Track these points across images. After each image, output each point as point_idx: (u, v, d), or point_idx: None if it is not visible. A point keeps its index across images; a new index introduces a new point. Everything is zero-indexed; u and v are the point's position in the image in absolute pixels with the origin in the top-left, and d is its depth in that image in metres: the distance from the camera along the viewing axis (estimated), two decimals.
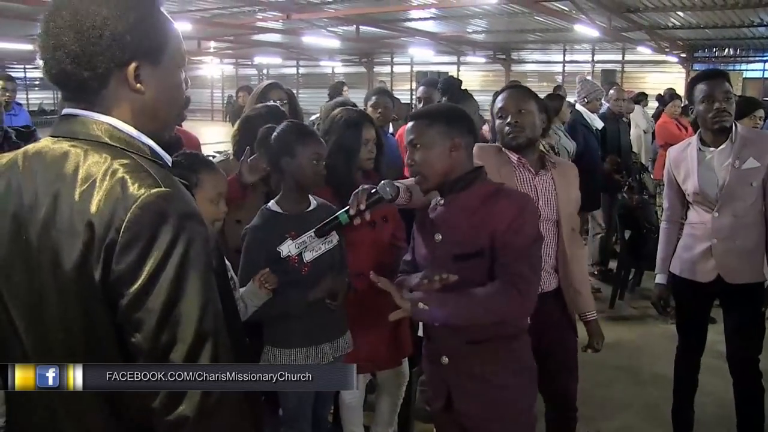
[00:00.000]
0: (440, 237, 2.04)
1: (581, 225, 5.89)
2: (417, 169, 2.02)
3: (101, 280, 1.04)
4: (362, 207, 2.07)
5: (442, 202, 2.06)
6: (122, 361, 1.09)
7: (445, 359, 2.08)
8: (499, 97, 2.61)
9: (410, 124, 2.07)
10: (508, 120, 2.53)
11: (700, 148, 2.94)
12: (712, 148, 2.91)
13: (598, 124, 5.86)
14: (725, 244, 2.90)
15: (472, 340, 2.03)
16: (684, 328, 3.19)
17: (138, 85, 1.15)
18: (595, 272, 6.18)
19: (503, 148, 2.58)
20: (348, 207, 2.10)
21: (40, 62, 1.14)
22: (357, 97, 4.92)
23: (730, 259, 2.90)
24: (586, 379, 4.11)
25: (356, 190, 2.13)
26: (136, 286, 1.02)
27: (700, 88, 2.87)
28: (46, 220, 1.09)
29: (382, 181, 2.15)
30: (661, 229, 3.23)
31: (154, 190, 1.05)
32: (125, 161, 1.09)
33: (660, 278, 3.15)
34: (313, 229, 2.17)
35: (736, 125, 2.90)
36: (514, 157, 2.55)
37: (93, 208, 1.05)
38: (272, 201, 2.45)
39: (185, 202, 1.10)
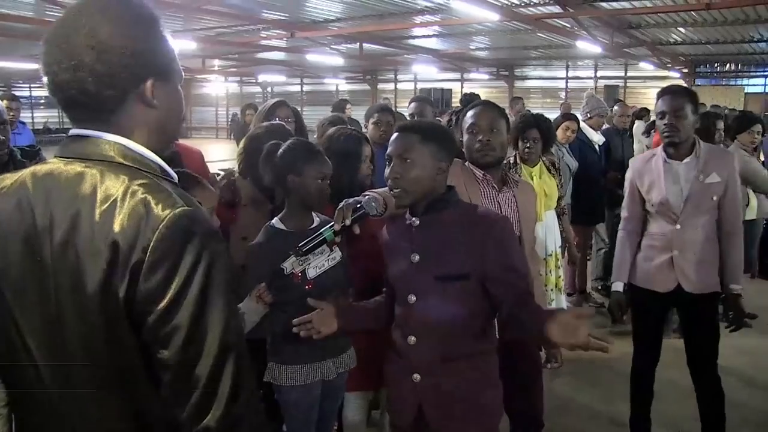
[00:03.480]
0: (418, 258, 2.02)
1: (586, 240, 5.91)
2: (401, 183, 1.98)
3: (126, 298, 1.06)
4: (347, 222, 2.06)
5: (417, 222, 2.04)
6: (147, 378, 1.11)
7: (416, 376, 2.05)
8: (471, 113, 2.63)
9: (400, 135, 2.03)
10: (480, 138, 2.55)
11: (666, 160, 3.01)
12: (677, 161, 2.99)
13: (597, 138, 5.88)
14: (686, 255, 2.98)
15: (446, 357, 2.02)
16: (640, 338, 3.27)
17: (155, 101, 1.18)
18: (599, 287, 6.17)
19: (467, 164, 2.61)
20: (333, 223, 2.09)
21: (53, 84, 1.14)
22: (361, 114, 4.92)
23: (690, 270, 2.99)
24: (593, 396, 4.11)
25: (340, 206, 2.11)
26: (164, 303, 1.05)
27: (657, 104, 2.99)
28: (63, 241, 1.09)
29: (366, 196, 2.13)
30: (618, 238, 3.28)
31: (177, 210, 1.07)
32: (143, 181, 1.11)
33: (617, 286, 3.20)
34: (297, 248, 2.12)
35: (698, 141, 3.00)
36: (479, 173, 2.58)
37: (116, 227, 1.06)
38: (276, 218, 2.47)
39: (206, 220, 1.13)
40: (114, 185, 1.10)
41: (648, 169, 3.08)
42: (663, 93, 3.00)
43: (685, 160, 2.96)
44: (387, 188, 2.16)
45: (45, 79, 1.15)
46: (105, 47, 1.11)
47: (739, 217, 3.03)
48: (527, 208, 2.67)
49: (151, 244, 1.05)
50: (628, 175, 3.22)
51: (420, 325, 2.04)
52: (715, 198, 2.94)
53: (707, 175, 2.92)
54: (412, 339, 2.05)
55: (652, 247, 3.10)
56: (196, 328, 1.06)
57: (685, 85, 3.20)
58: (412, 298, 2.04)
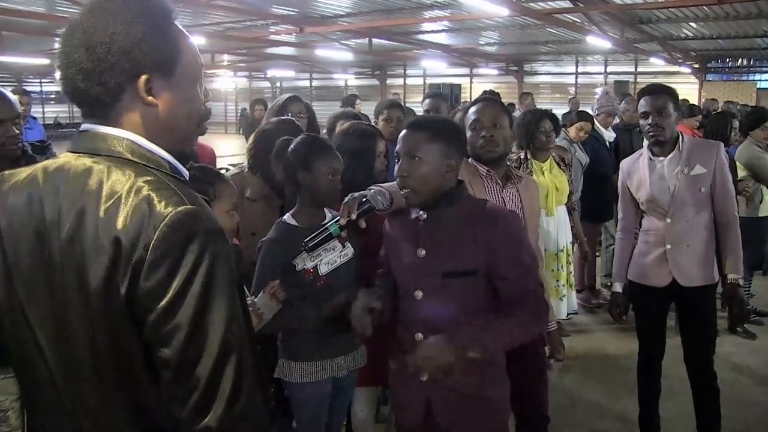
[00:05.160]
0: (424, 252, 2.00)
1: (594, 237, 5.89)
2: (409, 182, 1.97)
3: (127, 295, 1.06)
4: (353, 217, 2.04)
5: (424, 216, 2.03)
6: (148, 376, 1.11)
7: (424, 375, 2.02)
8: (474, 108, 2.62)
9: (409, 132, 2.01)
10: (483, 134, 2.54)
11: (650, 158, 3.08)
12: (661, 158, 3.04)
13: (608, 136, 5.87)
14: (678, 249, 3.01)
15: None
16: (642, 334, 3.30)
17: (150, 98, 1.16)
18: (608, 284, 6.14)
19: (471, 160, 2.60)
20: (338, 218, 2.07)
21: (59, 80, 1.17)
22: (370, 109, 4.91)
23: (683, 263, 3.02)
24: (602, 392, 4.10)
25: (346, 200, 2.09)
26: (164, 301, 1.05)
27: (640, 104, 3.03)
28: (70, 236, 1.10)
29: (372, 190, 2.11)
30: (617, 239, 3.36)
31: (180, 208, 1.07)
32: (148, 178, 1.11)
33: (616, 286, 3.26)
34: (303, 243, 2.10)
35: (681, 135, 3.04)
36: (483, 169, 2.57)
37: (119, 224, 1.06)
38: (288, 214, 2.46)
39: (210, 218, 1.12)
40: (120, 181, 1.10)
41: (635, 169, 3.14)
42: (644, 93, 3.05)
43: (668, 156, 3.01)
44: (395, 183, 2.16)
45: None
46: (92, 44, 1.11)
47: (733, 207, 3.04)
48: (531, 204, 2.66)
49: (153, 242, 1.04)
50: (620, 177, 3.27)
51: (426, 322, 2.01)
52: (703, 190, 2.97)
53: (691, 167, 2.96)
54: (419, 336, 2.02)
55: (646, 243, 3.14)
56: (197, 327, 1.06)
57: (664, 83, 3.20)
58: (419, 294, 2.02)
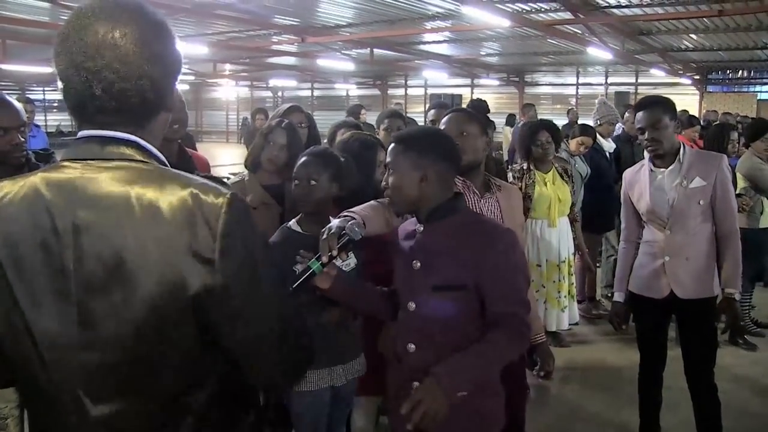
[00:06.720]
0: (419, 264, 2.01)
1: (594, 248, 5.89)
2: (389, 193, 2.04)
3: (200, 287, 1.07)
4: (334, 253, 2.01)
5: (421, 228, 2.04)
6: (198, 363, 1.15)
7: (416, 384, 1.97)
8: (442, 121, 2.63)
9: (391, 145, 2.06)
10: None
11: (651, 169, 3.08)
12: (662, 169, 3.04)
13: (608, 146, 5.88)
14: (677, 261, 3.01)
15: None
16: (643, 345, 3.29)
17: (175, 100, 1.24)
18: (609, 294, 6.14)
19: None
20: (320, 254, 2.03)
21: (108, 92, 1.10)
22: (371, 119, 4.94)
23: (682, 275, 3.01)
24: (602, 403, 4.09)
25: (324, 236, 2.06)
26: (237, 282, 1.09)
27: (636, 119, 3.04)
28: (92, 244, 1.06)
29: (350, 221, 2.10)
30: (619, 249, 3.36)
31: (227, 194, 1.11)
32: (171, 176, 1.13)
33: (617, 296, 3.27)
34: (291, 289, 2.12)
35: (683, 146, 3.03)
36: (458, 179, 2.55)
37: (167, 223, 1.06)
38: (293, 220, 2.48)
39: (244, 200, 1.18)
40: (146, 184, 1.09)
41: (637, 180, 3.15)
42: (638, 107, 3.05)
43: (669, 168, 3.01)
44: (367, 204, 2.24)
45: (95, 88, 1.09)
46: (157, 56, 1.13)
47: (733, 220, 3.03)
48: (512, 213, 2.63)
49: (219, 230, 1.07)
50: (622, 187, 3.27)
51: (419, 333, 2.02)
52: (702, 202, 2.96)
53: (690, 180, 2.96)
54: (411, 347, 2.03)
55: (646, 254, 3.14)
56: (261, 307, 1.14)
57: (664, 94, 3.20)
58: (412, 306, 2.03)
